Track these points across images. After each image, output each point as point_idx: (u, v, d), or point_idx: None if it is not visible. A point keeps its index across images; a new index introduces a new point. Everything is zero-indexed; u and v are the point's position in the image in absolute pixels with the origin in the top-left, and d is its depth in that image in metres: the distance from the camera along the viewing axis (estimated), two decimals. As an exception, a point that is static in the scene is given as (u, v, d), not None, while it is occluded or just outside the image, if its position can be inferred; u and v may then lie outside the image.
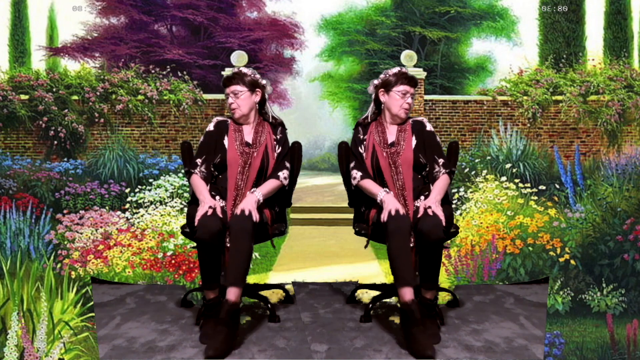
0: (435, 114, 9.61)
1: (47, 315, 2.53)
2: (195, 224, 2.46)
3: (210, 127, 2.77)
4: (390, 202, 2.48)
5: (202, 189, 2.61)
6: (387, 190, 2.57)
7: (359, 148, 2.73)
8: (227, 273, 2.41)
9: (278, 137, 2.76)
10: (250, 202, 2.48)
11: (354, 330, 2.58)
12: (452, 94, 12.65)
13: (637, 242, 4.08)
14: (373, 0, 14.16)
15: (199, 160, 2.71)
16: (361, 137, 2.76)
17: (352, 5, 14.41)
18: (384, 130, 2.73)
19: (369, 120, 2.79)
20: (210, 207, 2.47)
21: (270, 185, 2.63)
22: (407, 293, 2.37)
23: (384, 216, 2.44)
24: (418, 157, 2.66)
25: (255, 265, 5.66)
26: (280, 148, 2.74)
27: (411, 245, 2.47)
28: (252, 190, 2.57)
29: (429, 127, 2.75)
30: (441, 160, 2.69)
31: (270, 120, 2.79)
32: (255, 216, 2.44)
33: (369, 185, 2.63)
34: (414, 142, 2.70)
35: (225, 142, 2.71)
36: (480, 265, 4.24)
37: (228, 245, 2.48)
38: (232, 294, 2.38)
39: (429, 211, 2.45)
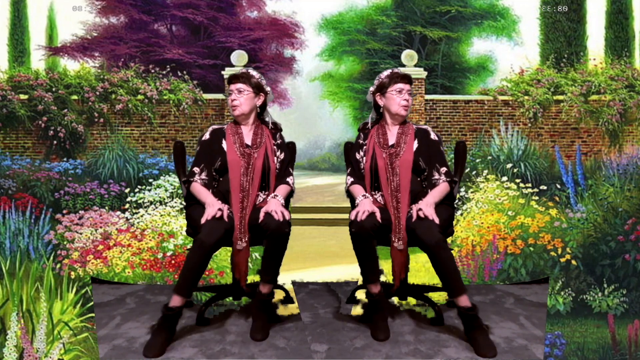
0: (436, 114, 9.60)
1: (46, 315, 2.52)
2: (202, 222, 2.43)
3: (206, 135, 2.77)
4: (361, 205, 2.48)
5: (206, 193, 2.62)
6: (367, 195, 2.57)
7: (357, 154, 2.76)
8: (264, 270, 2.53)
9: (278, 142, 2.78)
10: (278, 205, 2.51)
11: (354, 330, 2.57)
12: (452, 93, 12.63)
13: (639, 242, 4.07)
14: (373, 0, 14.15)
15: (196, 169, 2.70)
16: (361, 141, 2.78)
17: (352, 5, 14.40)
18: (385, 133, 2.74)
19: (370, 126, 2.79)
20: (219, 209, 2.47)
21: (285, 190, 2.69)
22: (372, 288, 2.53)
23: (351, 216, 2.48)
24: (418, 160, 2.66)
25: (255, 266, 5.65)
26: (282, 154, 2.76)
27: (402, 247, 2.52)
28: (274, 195, 2.59)
29: (433, 135, 2.75)
30: (444, 169, 2.68)
31: (270, 126, 2.79)
32: (288, 217, 2.49)
33: (355, 190, 2.68)
34: (415, 145, 2.69)
35: (224, 145, 2.71)
36: (481, 266, 4.23)
37: (239, 248, 2.53)
38: (267, 288, 2.56)
39: (420, 213, 2.45)
